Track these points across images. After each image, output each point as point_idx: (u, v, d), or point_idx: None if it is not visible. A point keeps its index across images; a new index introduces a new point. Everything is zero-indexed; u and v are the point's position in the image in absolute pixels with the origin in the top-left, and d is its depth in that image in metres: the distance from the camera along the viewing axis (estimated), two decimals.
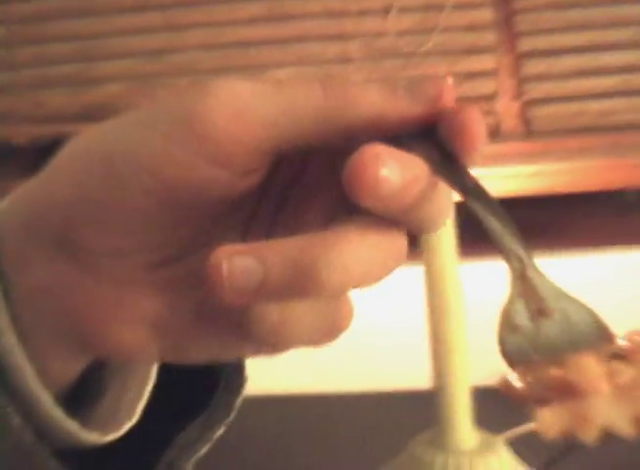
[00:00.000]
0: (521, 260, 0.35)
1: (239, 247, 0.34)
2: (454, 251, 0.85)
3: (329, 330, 0.36)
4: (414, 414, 0.98)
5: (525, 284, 0.35)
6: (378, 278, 0.35)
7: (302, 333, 0.35)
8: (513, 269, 0.35)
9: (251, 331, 0.35)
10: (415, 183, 0.34)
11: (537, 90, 1.36)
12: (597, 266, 1.33)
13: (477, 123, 0.35)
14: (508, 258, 0.35)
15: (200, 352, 0.38)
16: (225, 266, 0.33)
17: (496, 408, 0.85)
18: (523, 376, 0.43)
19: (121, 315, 0.37)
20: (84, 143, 0.37)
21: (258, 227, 0.41)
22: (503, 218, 0.35)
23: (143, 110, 0.37)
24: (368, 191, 0.33)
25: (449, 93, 0.36)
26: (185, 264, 0.38)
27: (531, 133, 1.37)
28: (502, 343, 0.36)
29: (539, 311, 0.36)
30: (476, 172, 0.36)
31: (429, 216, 0.36)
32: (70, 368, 0.40)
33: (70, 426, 0.39)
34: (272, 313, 0.34)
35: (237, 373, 0.46)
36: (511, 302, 0.36)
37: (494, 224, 0.35)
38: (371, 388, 1.33)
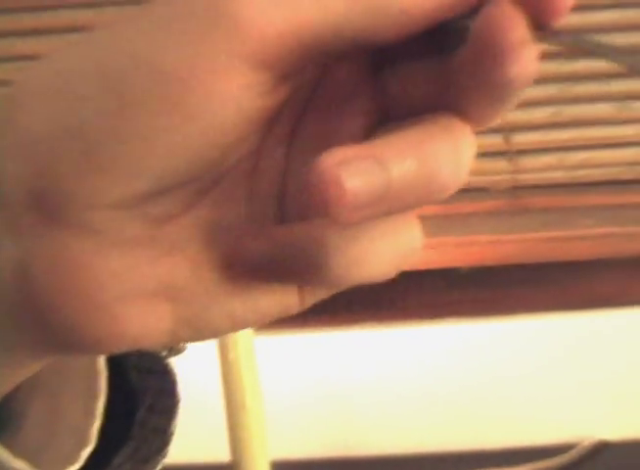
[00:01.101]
0: None
1: (353, 149, 0.28)
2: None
3: (405, 255, 0.32)
4: None
5: None
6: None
7: (382, 261, 0.32)
8: None
9: (327, 268, 0.30)
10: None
11: None
12: (432, 339, 1.41)
13: None
14: None
15: (224, 318, 0.33)
16: (344, 175, 0.28)
17: None
18: None
19: (128, 287, 0.31)
20: (65, 63, 0.31)
21: (275, 142, 0.34)
22: None
23: (142, 15, 0.30)
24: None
25: None
26: (207, 206, 0.33)
27: None
28: None
29: None
30: None
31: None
32: (12, 374, 0.35)
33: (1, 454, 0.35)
34: (357, 241, 0.31)
35: (166, 393, 0.41)
36: None
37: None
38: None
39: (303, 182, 0.32)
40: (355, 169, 0.28)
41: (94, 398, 0.38)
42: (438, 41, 0.32)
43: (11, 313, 0.31)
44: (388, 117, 0.33)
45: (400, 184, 0.29)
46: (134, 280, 0.31)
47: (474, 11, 0.31)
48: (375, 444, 1.46)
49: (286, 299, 0.33)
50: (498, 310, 1.40)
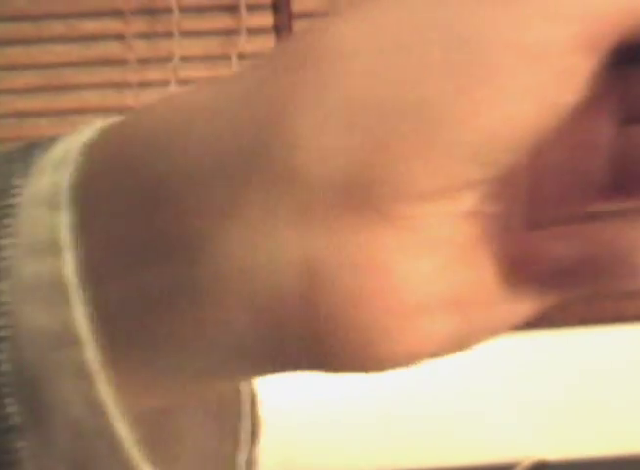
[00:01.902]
0: None
1: None
2: None
3: None
4: None
5: None
6: None
7: None
8: None
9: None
10: None
11: None
12: None
13: None
14: None
15: (488, 328, 0.28)
16: None
17: None
18: None
19: (430, 294, 0.26)
20: (391, 18, 0.25)
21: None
22: None
23: None
24: None
25: None
26: (490, 203, 0.28)
27: None
28: None
29: None
30: None
31: None
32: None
33: None
34: None
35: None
36: None
37: None
38: None
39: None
40: None
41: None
42: None
43: (282, 320, 0.25)
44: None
45: None
46: (436, 286, 0.26)
47: None
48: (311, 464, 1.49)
49: (539, 306, 0.29)
50: None
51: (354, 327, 0.25)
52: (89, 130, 0.27)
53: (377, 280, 0.25)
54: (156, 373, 0.27)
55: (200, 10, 1.43)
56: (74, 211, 0.25)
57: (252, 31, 1.44)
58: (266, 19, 1.45)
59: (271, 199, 0.24)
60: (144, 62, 1.43)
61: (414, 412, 1.49)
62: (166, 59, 1.42)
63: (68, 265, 0.25)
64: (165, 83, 1.41)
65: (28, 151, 0.27)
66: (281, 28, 1.44)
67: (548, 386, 1.46)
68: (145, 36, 1.43)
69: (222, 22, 1.44)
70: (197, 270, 0.25)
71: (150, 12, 1.43)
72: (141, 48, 1.43)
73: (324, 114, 0.24)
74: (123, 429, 0.25)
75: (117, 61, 1.43)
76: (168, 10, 1.42)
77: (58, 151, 0.27)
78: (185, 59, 1.42)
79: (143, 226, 0.25)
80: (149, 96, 1.40)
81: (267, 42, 1.45)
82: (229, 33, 1.43)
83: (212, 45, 1.44)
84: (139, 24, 1.43)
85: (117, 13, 1.43)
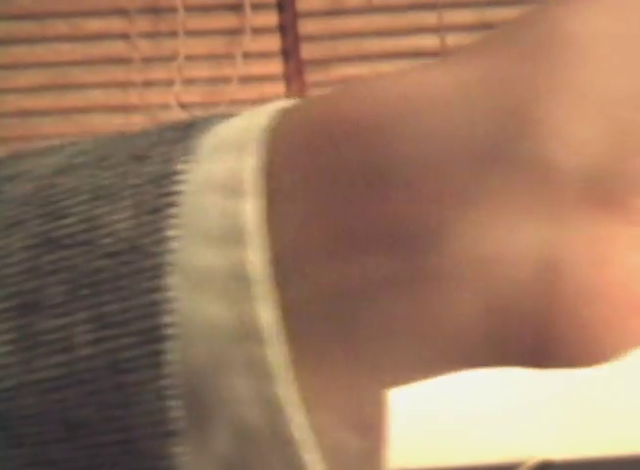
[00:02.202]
0: None
1: None
2: None
3: None
4: None
5: None
6: None
7: None
8: None
9: None
10: None
11: None
12: None
13: None
14: None
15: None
16: None
17: None
18: None
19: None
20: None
21: None
22: None
23: None
24: None
25: None
26: None
27: None
28: None
29: None
30: None
31: None
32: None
33: None
34: None
35: None
36: None
37: None
38: None
39: None
40: None
41: None
42: None
43: (510, 313, 0.24)
44: None
45: None
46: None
47: None
48: None
49: None
50: None
51: (586, 323, 0.24)
52: (261, 113, 0.25)
53: (608, 275, 0.24)
54: (348, 371, 0.25)
55: (204, 9, 1.43)
56: (259, 198, 0.24)
57: (257, 30, 1.43)
58: (271, 18, 1.44)
59: (514, 187, 0.23)
60: (148, 61, 1.42)
61: (416, 412, 1.49)
62: (171, 58, 1.42)
63: (254, 257, 0.23)
64: (170, 82, 1.40)
65: (185, 132, 0.25)
66: (286, 27, 1.44)
67: (553, 385, 1.46)
68: (149, 35, 1.43)
69: (227, 21, 1.44)
70: (428, 257, 0.23)
71: (154, 11, 1.43)
72: (145, 47, 1.43)
73: (576, 103, 0.23)
74: (301, 432, 0.24)
75: (122, 60, 1.42)
76: (173, 9, 1.42)
77: (225, 134, 0.25)
78: (190, 58, 1.42)
79: (361, 212, 0.23)
80: (153, 95, 1.40)
81: (272, 41, 1.44)
82: (234, 32, 1.43)
83: (217, 44, 1.44)
84: (143, 24, 1.43)
85: (122, 12, 1.43)
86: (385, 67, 1.43)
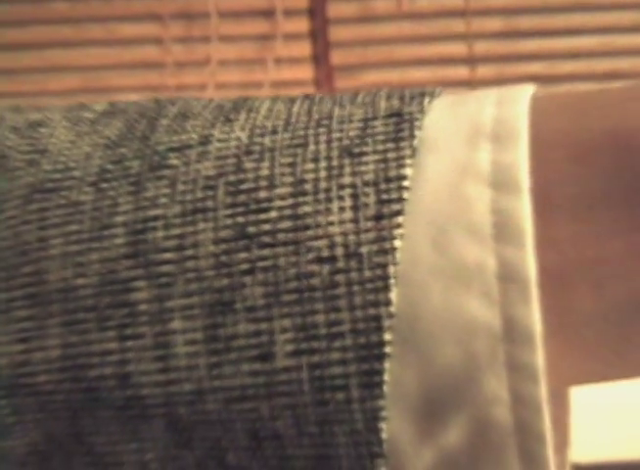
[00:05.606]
0: None
1: None
2: None
3: None
4: None
5: None
6: None
7: None
8: None
9: None
10: None
11: None
12: None
13: None
14: None
15: None
16: None
17: None
18: None
19: None
20: None
21: None
22: None
23: None
24: None
25: None
26: None
27: None
28: None
29: None
30: None
31: None
32: None
33: None
34: None
35: None
36: None
37: None
38: None
39: None
40: None
41: None
42: None
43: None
44: None
45: None
46: None
47: None
48: None
49: None
50: None
51: None
52: (510, 102, 0.23)
53: None
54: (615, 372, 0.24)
55: (236, 15, 1.45)
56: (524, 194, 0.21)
57: (288, 36, 1.45)
58: (302, 24, 1.46)
59: None
60: (181, 66, 1.45)
61: None
62: (203, 63, 1.44)
63: (529, 257, 0.21)
64: (202, 87, 1.42)
65: (396, 126, 0.23)
66: (316, 34, 1.46)
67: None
68: (182, 40, 1.45)
69: (259, 26, 1.46)
70: None
71: (187, 16, 1.45)
72: (178, 52, 1.45)
73: None
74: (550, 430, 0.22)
75: (155, 64, 1.45)
76: (206, 14, 1.44)
77: (449, 128, 0.23)
78: (222, 63, 1.44)
79: None
80: None
81: (303, 47, 1.46)
82: (265, 38, 1.45)
83: (249, 50, 1.46)
84: (177, 29, 1.45)
85: (155, 17, 1.45)
86: (414, 73, 1.45)
